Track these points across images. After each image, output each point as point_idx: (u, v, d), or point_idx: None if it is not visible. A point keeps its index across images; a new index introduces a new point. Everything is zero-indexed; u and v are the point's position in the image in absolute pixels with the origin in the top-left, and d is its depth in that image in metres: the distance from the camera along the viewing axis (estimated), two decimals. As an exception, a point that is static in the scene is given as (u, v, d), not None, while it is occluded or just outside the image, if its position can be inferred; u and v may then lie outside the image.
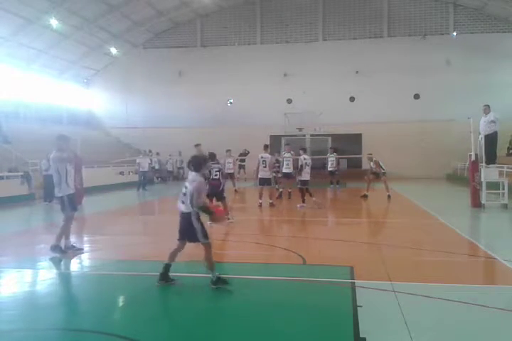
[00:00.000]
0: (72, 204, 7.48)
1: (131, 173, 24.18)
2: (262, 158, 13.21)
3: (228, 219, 10.38)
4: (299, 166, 13.21)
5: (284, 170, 14.85)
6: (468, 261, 6.92)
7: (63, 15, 24.11)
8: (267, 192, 13.77)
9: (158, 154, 27.15)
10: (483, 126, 12.46)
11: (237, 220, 10.58)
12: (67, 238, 7.60)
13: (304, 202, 13.16)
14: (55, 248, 7.27)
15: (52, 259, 7.05)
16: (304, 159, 13.37)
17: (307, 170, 13.30)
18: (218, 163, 10.35)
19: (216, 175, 9.99)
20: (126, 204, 16.14)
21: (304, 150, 14.07)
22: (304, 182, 13.24)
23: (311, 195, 13.28)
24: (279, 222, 11.60)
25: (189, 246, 8.51)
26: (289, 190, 15.51)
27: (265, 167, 13.02)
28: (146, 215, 13.78)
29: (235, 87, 30.65)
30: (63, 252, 7.30)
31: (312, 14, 31.36)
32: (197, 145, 11.81)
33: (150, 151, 25.20)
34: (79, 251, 7.53)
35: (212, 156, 10.17)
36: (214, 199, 10.06)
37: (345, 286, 5.40)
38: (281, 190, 15.53)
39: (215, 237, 9.18)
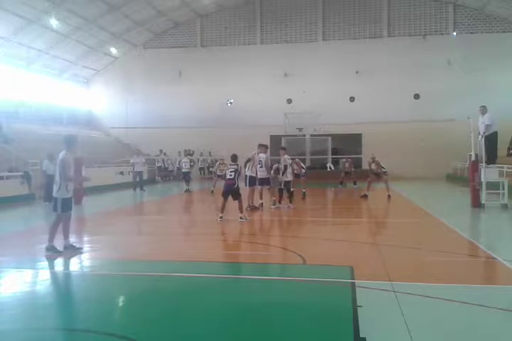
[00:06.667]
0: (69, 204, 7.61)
1: (131, 173, 24.17)
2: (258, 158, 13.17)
3: (241, 218, 10.52)
4: (283, 166, 13.15)
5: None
6: (468, 261, 6.93)
7: (63, 15, 24.09)
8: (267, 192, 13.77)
9: (165, 154, 28.29)
10: (482, 127, 12.47)
11: (237, 220, 10.62)
12: (67, 237, 7.63)
13: (291, 202, 13.20)
14: (50, 248, 7.36)
15: (48, 259, 7.07)
16: (288, 159, 13.37)
17: (290, 170, 13.31)
18: (237, 165, 11.08)
19: (231, 175, 10.79)
20: (125, 204, 16.16)
21: (285, 149, 13.99)
22: (288, 183, 13.21)
23: (290, 201, 13.24)
24: (279, 222, 11.60)
25: (188, 246, 8.53)
26: (292, 189, 15.45)
27: (261, 167, 12.99)
28: (145, 215, 13.78)
29: (235, 87, 30.66)
30: (58, 252, 7.33)
31: (312, 14, 31.36)
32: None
33: (139, 151, 25.23)
34: (78, 250, 7.53)
35: (234, 158, 11.20)
36: (230, 197, 10.85)
37: (345, 286, 5.40)
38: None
39: (215, 237, 9.20)
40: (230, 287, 5.70)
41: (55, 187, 7.48)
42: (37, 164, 17.21)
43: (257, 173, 12.96)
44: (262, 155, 13.15)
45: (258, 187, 13.16)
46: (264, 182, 13.07)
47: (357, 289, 5.22)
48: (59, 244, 7.50)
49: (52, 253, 7.27)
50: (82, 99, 33.24)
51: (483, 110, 12.55)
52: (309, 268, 6.51)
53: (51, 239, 7.41)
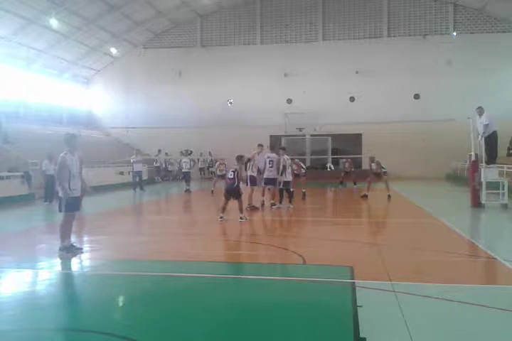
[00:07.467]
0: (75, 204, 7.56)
1: (130, 173, 24.18)
2: (268, 158, 13.18)
3: (241, 218, 10.58)
4: (282, 166, 13.14)
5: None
6: (468, 261, 6.92)
7: (63, 15, 24.08)
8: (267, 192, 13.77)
9: (167, 154, 28.53)
10: (481, 127, 12.49)
11: (237, 219, 10.63)
12: (68, 238, 7.61)
13: (290, 202, 13.20)
14: (62, 248, 7.34)
15: (57, 259, 7.07)
16: (287, 159, 13.38)
17: (289, 170, 13.32)
18: (237, 165, 11.24)
19: (231, 175, 10.90)
20: (125, 204, 16.15)
21: (284, 149, 13.99)
22: (287, 183, 13.21)
23: (290, 201, 13.24)
24: (279, 222, 11.60)
25: (188, 246, 8.53)
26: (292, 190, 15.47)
27: (271, 167, 13.01)
28: (145, 215, 13.78)
29: (235, 87, 30.65)
30: (70, 252, 7.32)
31: (312, 14, 31.34)
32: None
33: (139, 150, 25.26)
34: (78, 250, 7.53)
35: (237, 158, 11.43)
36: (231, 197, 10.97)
37: (345, 286, 5.40)
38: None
39: (215, 237, 9.21)
40: (230, 287, 5.71)
41: (58, 187, 7.49)
42: (37, 164, 17.21)
43: (257, 173, 12.97)
44: (273, 156, 13.18)
45: (263, 187, 13.22)
46: (270, 182, 13.08)
47: (357, 289, 5.22)
48: (59, 243, 7.50)
49: (64, 253, 7.26)
50: (82, 99, 33.23)
51: (480, 111, 12.61)
52: (309, 268, 6.51)
53: (62, 239, 7.40)
